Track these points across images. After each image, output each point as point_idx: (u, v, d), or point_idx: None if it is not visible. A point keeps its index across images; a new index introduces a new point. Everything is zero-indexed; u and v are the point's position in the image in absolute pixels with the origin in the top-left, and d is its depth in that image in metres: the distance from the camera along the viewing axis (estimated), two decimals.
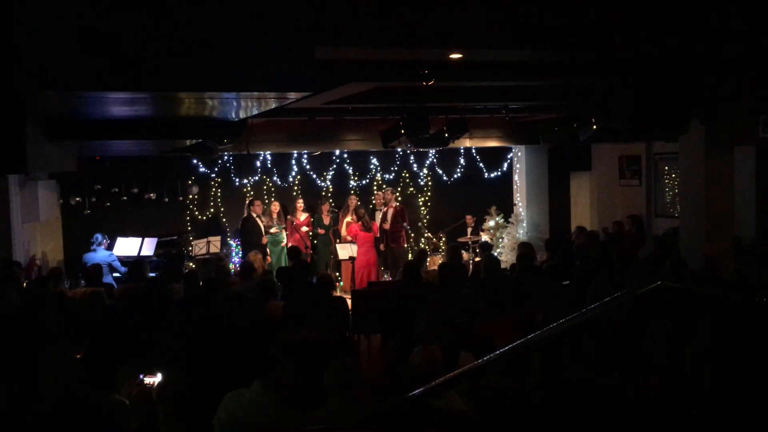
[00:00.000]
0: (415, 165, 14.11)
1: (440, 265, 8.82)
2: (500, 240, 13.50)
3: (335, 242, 12.59)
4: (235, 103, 5.05)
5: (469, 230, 13.30)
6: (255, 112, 5.97)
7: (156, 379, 4.41)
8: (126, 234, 11.65)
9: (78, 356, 5.31)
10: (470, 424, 4.02)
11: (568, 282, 7.30)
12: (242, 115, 6.27)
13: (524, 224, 13.68)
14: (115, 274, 10.09)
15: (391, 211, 12.73)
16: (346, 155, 13.52)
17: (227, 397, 4.24)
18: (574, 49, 6.06)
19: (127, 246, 11.42)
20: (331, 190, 13.65)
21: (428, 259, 12.60)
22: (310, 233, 12.54)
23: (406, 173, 14.13)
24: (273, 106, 5.36)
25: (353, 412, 3.92)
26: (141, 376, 4.49)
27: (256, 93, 4.29)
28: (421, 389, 3.89)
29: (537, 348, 3.78)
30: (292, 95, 4.44)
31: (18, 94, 4.03)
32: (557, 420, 3.84)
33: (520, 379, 4.24)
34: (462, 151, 13.96)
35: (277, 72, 3.99)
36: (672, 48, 6.32)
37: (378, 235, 12.58)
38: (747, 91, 7.43)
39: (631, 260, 8.42)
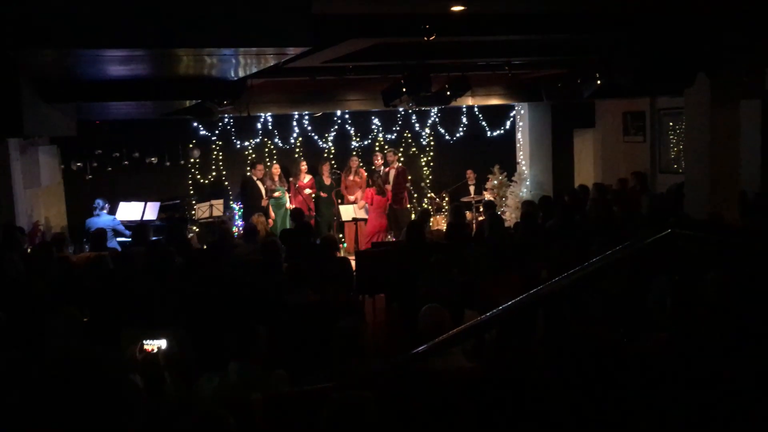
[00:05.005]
0: (417, 124, 14.00)
1: (448, 225, 8.81)
2: (503, 199, 13.45)
3: (338, 204, 12.56)
4: (233, 61, 4.97)
5: (472, 189, 13.24)
6: (254, 70, 5.88)
7: (157, 343, 4.38)
8: (128, 198, 11.63)
9: (85, 320, 5.33)
10: (473, 380, 4.02)
11: (572, 239, 7.27)
12: (241, 73, 6.17)
13: (527, 183, 13.62)
14: (120, 239, 10.09)
15: (392, 172, 12.66)
16: (347, 116, 13.41)
17: (203, 385, 4.01)
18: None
19: (130, 210, 11.41)
20: (333, 151, 13.57)
21: (431, 219, 12.57)
22: (314, 195, 12.50)
23: (407, 133, 14.02)
24: (272, 63, 5.27)
25: (357, 371, 3.89)
26: (142, 341, 4.46)
27: (254, 49, 4.21)
28: (425, 347, 3.89)
29: (541, 302, 3.76)
30: (291, 50, 4.35)
31: (11, 53, 3.96)
32: (561, 376, 3.84)
33: (523, 335, 4.23)
34: (464, 109, 13.83)
35: (274, 27, 3.91)
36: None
37: (390, 200, 12.54)
38: (753, 44, 7.30)
39: (634, 216, 8.38)
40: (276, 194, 12.08)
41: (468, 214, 11.89)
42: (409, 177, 13.22)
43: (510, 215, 12.90)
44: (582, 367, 3.89)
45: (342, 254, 10.79)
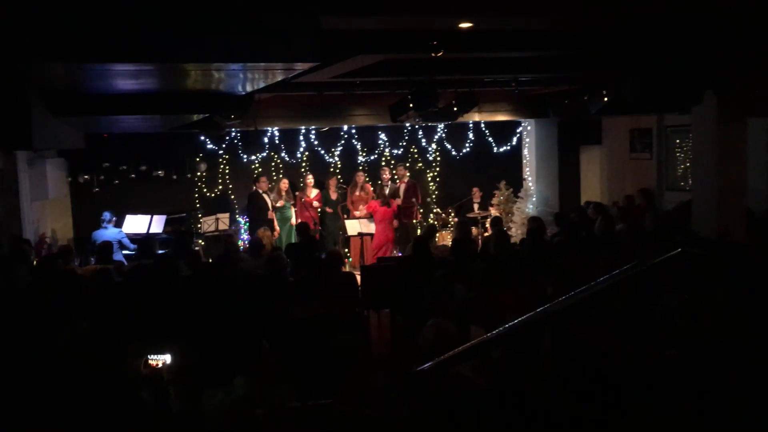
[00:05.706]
0: (423, 140, 14.01)
1: (454, 240, 8.79)
2: (509, 215, 13.43)
3: (344, 218, 12.56)
4: (241, 75, 4.99)
5: (476, 205, 13.23)
6: (262, 84, 5.90)
7: (163, 358, 4.36)
8: (135, 211, 11.66)
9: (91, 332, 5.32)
10: (480, 396, 3.99)
11: (577, 254, 7.25)
12: (249, 88, 6.20)
13: (534, 199, 13.60)
14: (125, 252, 10.11)
15: (403, 187, 12.68)
16: (354, 131, 13.43)
17: (208, 400, 4.00)
18: (585, 17, 5.95)
19: (136, 223, 11.44)
20: (339, 165, 13.59)
21: (437, 235, 12.55)
22: (319, 210, 12.51)
23: (414, 148, 14.03)
24: (280, 78, 5.30)
25: (358, 386, 3.87)
26: (147, 356, 4.45)
27: (262, 64, 4.22)
28: (430, 363, 3.86)
29: (548, 320, 3.74)
30: (299, 66, 4.37)
31: (20, 67, 3.98)
32: (568, 393, 3.81)
33: (530, 352, 4.20)
34: (471, 125, 13.85)
35: (283, 42, 3.93)
36: (684, 15, 6.20)
37: (396, 211, 12.52)
38: (760, 61, 7.30)
39: (640, 232, 8.36)
40: (278, 204, 12.07)
41: (473, 230, 11.86)
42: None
43: (516, 231, 12.87)
44: (590, 383, 3.86)
45: (347, 269, 10.77)
